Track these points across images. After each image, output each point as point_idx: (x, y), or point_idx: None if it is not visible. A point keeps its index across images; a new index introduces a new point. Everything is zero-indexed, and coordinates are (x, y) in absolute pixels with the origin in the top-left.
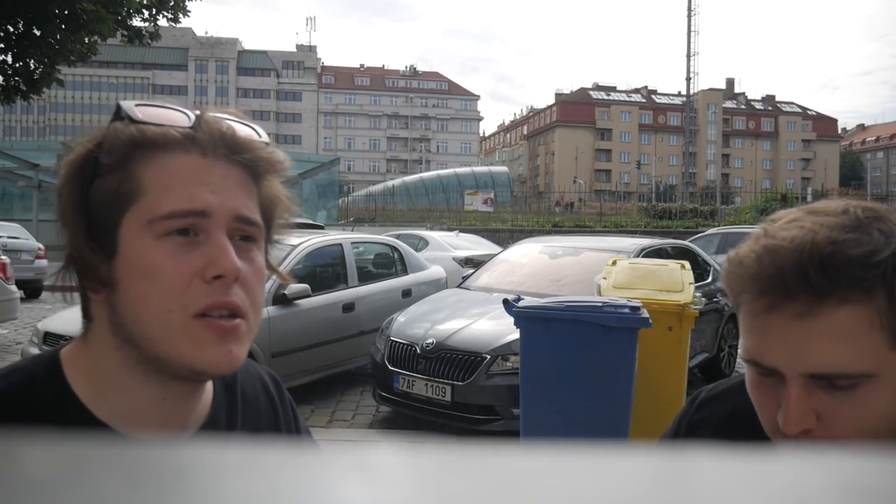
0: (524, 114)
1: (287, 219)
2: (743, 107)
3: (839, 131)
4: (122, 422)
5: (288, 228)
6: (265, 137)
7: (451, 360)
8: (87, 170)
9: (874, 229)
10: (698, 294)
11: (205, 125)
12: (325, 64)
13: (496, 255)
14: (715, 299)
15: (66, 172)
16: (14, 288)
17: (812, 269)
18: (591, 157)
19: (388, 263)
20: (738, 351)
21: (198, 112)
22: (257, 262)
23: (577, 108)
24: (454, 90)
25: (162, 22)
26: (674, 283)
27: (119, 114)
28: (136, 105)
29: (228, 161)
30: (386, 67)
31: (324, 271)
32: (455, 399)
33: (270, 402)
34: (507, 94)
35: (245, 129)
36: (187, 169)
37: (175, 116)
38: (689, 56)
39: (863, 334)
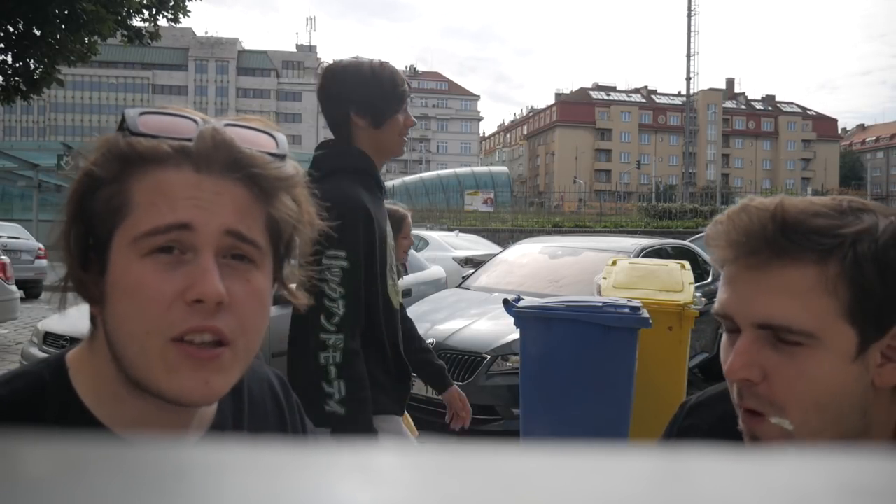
0: (524, 114)
1: (311, 234)
2: (743, 107)
3: (839, 131)
4: (125, 428)
5: (311, 243)
6: (283, 149)
7: (450, 360)
8: (86, 182)
9: (851, 215)
10: (698, 294)
11: (202, 137)
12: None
13: (496, 255)
14: (715, 299)
15: (71, 184)
16: (14, 288)
17: (774, 228)
18: (591, 157)
19: None
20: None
21: (205, 121)
22: (255, 285)
23: (577, 108)
24: (454, 90)
25: (162, 22)
26: (674, 283)
27: (121, 124)
28: (142, 114)
29: (224, 177)
30: None
31: None
32: None
33: (277, 404)
34: (505, 93)
35: (254, 141)
36: (177, 185)
37: (180, 126)
38: (689, 56)
39: (808, 293)
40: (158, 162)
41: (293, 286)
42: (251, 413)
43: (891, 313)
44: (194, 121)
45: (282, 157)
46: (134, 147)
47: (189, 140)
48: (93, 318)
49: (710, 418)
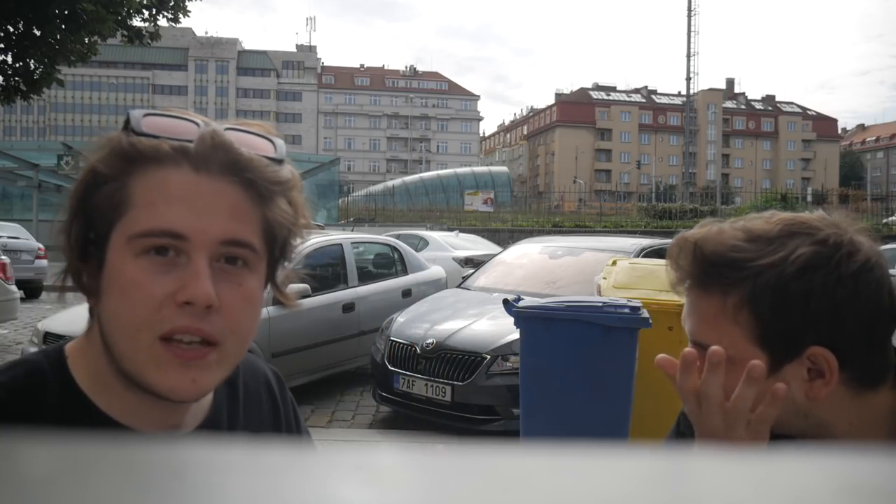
0: (524, 114)
1: (302, 238)
2: (743, 107)
3: (839, 131)
4: (123, 418)
5: (300, 245)
6: (281, 153)
7: (451, 360)
8: (90, 178)
9: (777, 242)
10: None
11: (202, 139)
12: (325, 64)
13: (496, 255)
14: None
15: (76, 182)
16: (14, 288)
17: (693, 261)
18: (591, 157)
19: (388, 263)
20: None
21: (207, 124)
22: (247, 287)
23: (577, 108)
24: (454, 90)
25: (162, 22)
26: None
27: (126, 124)
28: (146, 115)
29: (222, 178)
30: (385, 67)
31: (324, 271)
32: (455, 399)
33: (272, 400)
34: (503, 93)
35: (253, 145)
36: (175, 186)
37: (182, 128)
38: (689, 56)
39: (715, 321)
40: (159, 161)
41: (287, 289)
42: (246, 407)
43: (802, 337)
44: (196, 123)
45: (279, 161)
46: (135, 146)
47: (190, 141)
48: (91, 310)
49: None
